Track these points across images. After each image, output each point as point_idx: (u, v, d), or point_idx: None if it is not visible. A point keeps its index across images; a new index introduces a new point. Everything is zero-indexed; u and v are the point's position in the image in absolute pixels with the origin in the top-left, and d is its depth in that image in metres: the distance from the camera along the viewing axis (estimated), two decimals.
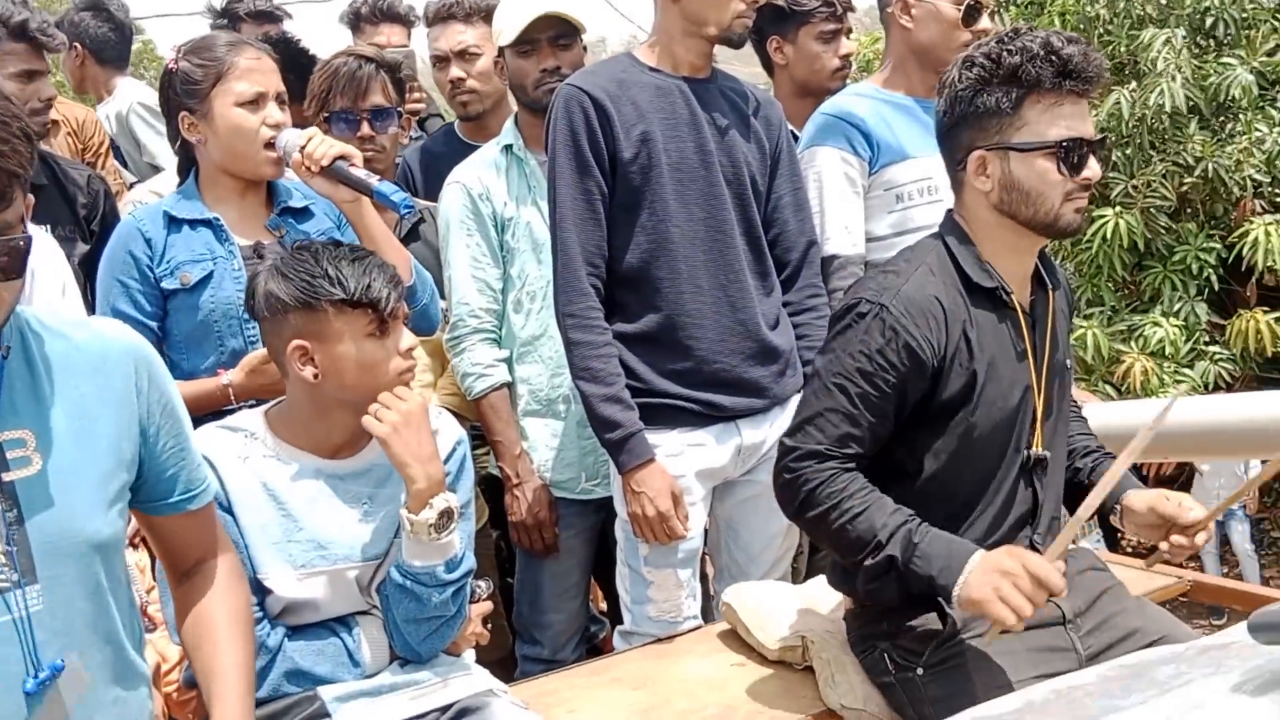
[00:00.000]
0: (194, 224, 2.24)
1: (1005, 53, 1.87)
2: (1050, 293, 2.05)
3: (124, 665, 1.47)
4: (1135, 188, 5.72)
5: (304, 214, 2.34)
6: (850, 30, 3.13)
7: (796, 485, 1.90)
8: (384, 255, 2.20)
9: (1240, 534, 6.41)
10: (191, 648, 1.63)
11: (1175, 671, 1.31)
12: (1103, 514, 2.10)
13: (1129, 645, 1.97)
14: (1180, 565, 2.29)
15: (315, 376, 1.85)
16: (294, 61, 2.85)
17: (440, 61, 3.13)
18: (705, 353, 2.42)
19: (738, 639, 2.33)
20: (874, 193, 2.69)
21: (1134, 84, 5.46)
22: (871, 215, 2.69)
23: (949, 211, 2.04)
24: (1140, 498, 2.01)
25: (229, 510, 1.83)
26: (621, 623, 2.56)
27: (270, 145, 2.21)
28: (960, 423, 1.93)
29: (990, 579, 1.74)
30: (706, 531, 2.59)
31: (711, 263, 2.42)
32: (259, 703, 1.82)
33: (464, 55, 3.12)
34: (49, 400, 1.40)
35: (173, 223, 2.24)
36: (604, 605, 3.17)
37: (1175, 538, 1.99)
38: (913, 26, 2.70)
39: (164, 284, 2.20)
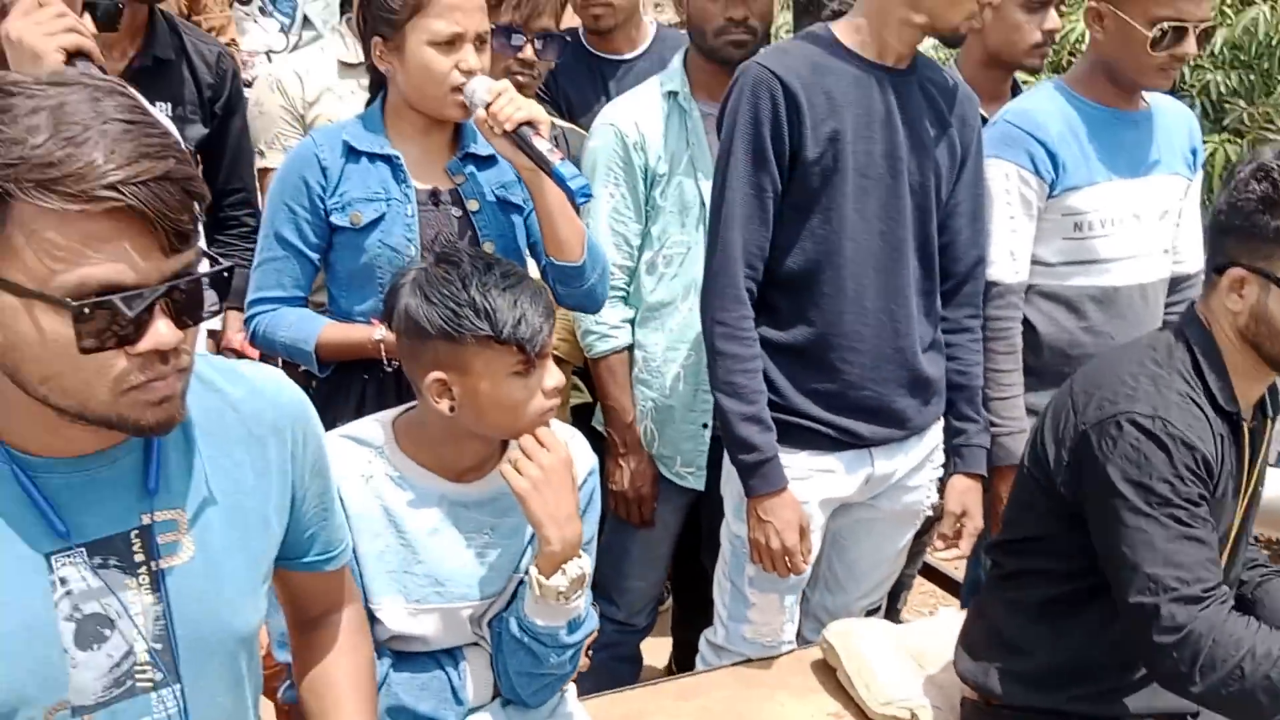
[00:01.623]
0: (373, 158, 2.05)
1: None
2: (1269, 420, 1.84)
3: None
4: (1251, 115, 5.20)
5: (487, 162, 2.11)
6: (1061, 1, 2.74)
7: (1186, 648, 1.59)
8: (557, 229, 2.04)
9: None
10: (311, 703, 1.51)
11: None
12: None
13: None
14: None
15: (451, 410, 1.68)
16: None
17: None
18: (855, 378, 2.22)
19: (834, 679, 2.24)
20: (1050, 216, 2.41)
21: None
22: (1043, 239, 2.43)
23: (1193, 306, 1.80)
24: None
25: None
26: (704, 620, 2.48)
27: (459, 89, 1.98)
28: None
29: None
30: None
31: (880, 281, 2.19)
32: None
33: None
34: (203, 474, 1.23)
35: (351, 153, 2.05)
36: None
37: None
38: (1102, 37, 2.36)
39: (333, 218, 2.04)
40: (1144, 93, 2.48)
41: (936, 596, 3.70)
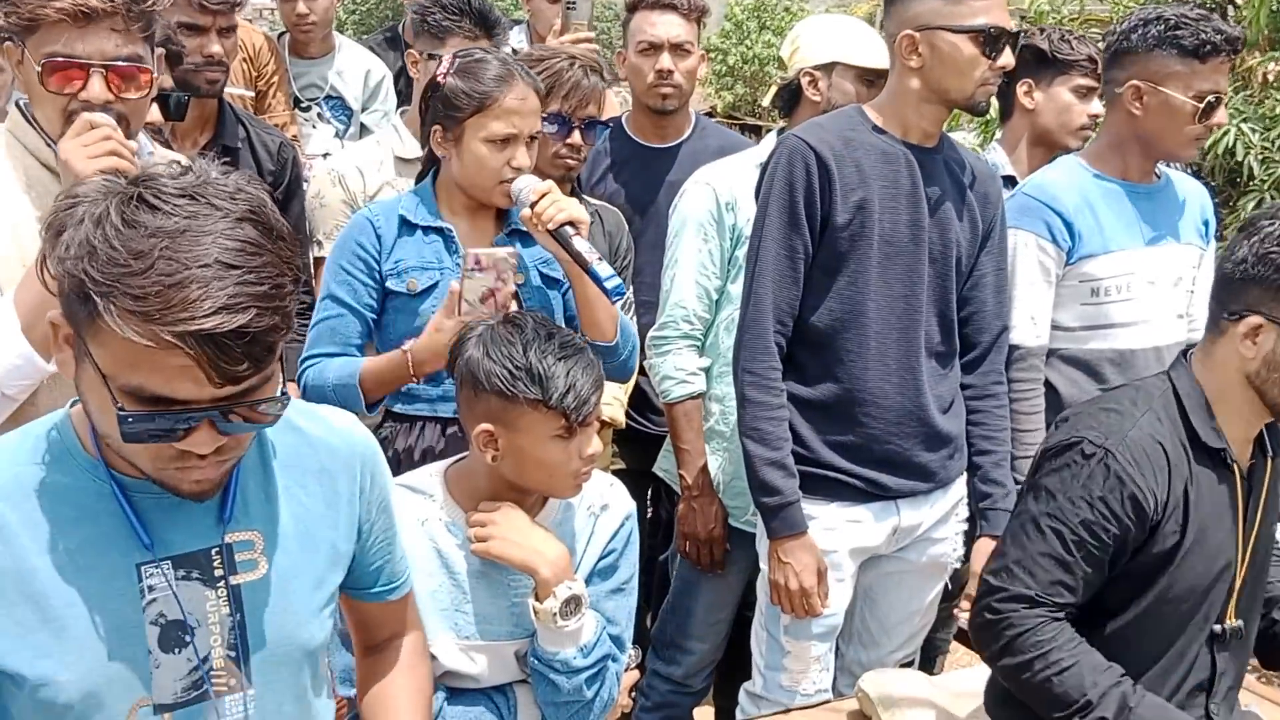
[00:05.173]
0: (427, 230, 2.22)
1: None
2: (1270, 460, 1.93)
3: None
4: None
5: (531, 238, 2.25)
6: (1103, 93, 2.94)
7: (1000, 629, 1.83)
8: (593, 312, 2.17)
9: None
10: (370, 717, 1.63)
11: None
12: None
13: None
14: None
15: (493, 459, 1.82)
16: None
17: (651, 49, 3.00)
18: (879, 431, 2.33)
19: None
20: (1068, 283, 2.55)
21: None
22: (1062, 305, 2.56)
23: (1185, 354, 1.92)
24: None
25: None
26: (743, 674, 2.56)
27: (507, 183, 2.15)
28: (1158, 582, 1.85)
29: None
30: None
31: (901, 341, 2.32)
32: None
33: (677, 49, 3.00)
34: (278, 500, 1.37)
35: (406, 225, 2.21)
36: None
37: None
38: (1141, 114, 2.50)
39: (389, 284, 2.19)
40: (1159, 168, 2.63)
41: (972, 660, 3.73)
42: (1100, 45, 2.76)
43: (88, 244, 1.09)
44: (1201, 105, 2.42)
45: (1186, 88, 2.43)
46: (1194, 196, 2.71)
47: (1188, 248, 2.64)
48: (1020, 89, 2.97)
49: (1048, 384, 2.55)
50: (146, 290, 1.07)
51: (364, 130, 3.79)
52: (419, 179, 2.34)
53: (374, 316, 2.22)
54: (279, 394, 1.20)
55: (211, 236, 1.09)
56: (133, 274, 1.07)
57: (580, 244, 2.08)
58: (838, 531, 2.37)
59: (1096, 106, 2.89)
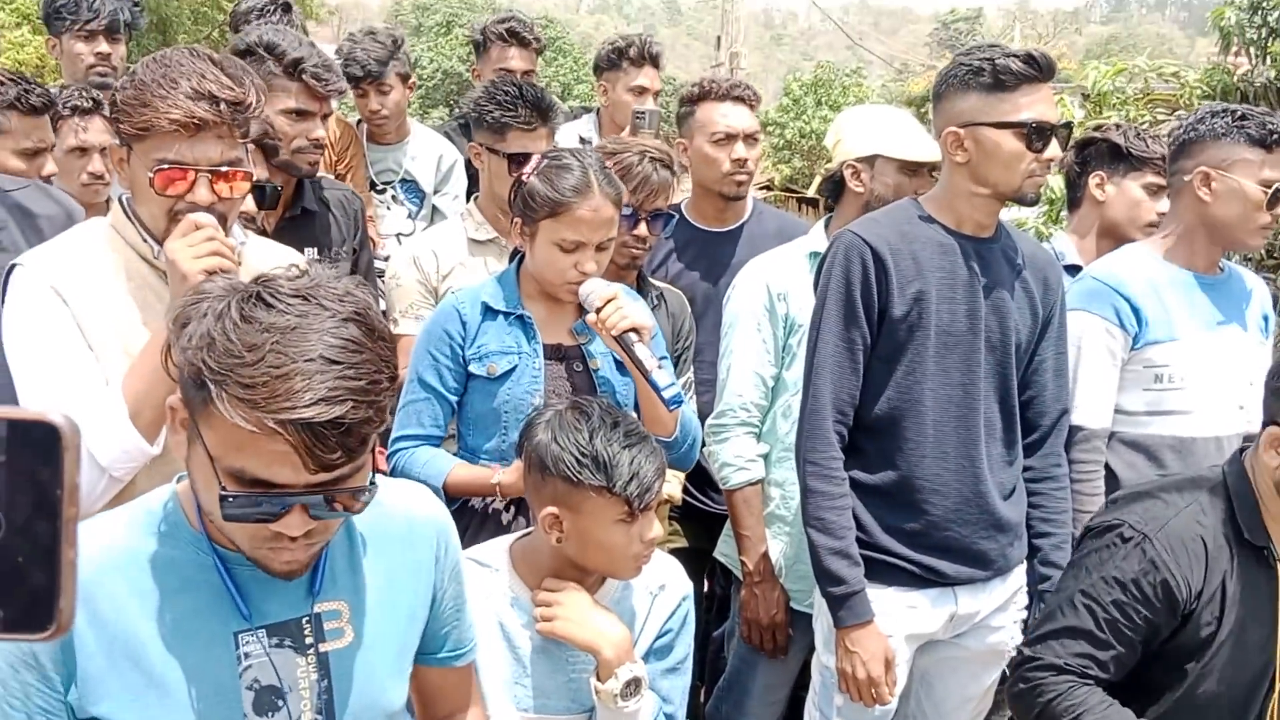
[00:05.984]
0: (508, 316, 2.31)
1: None
2: None
3: None
4: None
5: None
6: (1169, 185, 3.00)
7: (1033, 696, 1.89)
8: (654, 409, 2.23)
9: None
10: None
11: None
12: None
13: None
14: None
15: (558, 541, 1.88)
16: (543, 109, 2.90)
17: (727, 139, 3.11)
18: (938, 519, 2.36)
19: None
20: (1132, 367, 2.58)
21: None
22: (1126, 388, 2.59)
23: (1241, 453, 1.95)
24: None
25: None
26: None
27: (574, 283, 2.24)
28: (1193, 669, 1.87)
29: None
30: None
31: (960, 429, 2.36)
32: None
33: (749, 138, 3.13)
34: (362, 571, 1.45)
35: (488, 311, 2.31)
36: None
37: None
38: (1211, 200, 2.55)
39: (471, 367, 2.29)
40: (1221, 262, 2.68)
41: None
42: (1167, 138, 2.82)
43: (208, 336, 1.20)
44: (1269, 193, 2.47)
45: (1254, 175, 2.49)
46: (1256, 290, 2.75)
47: (1249, 340, 2.67)
48: (1092, 180, 3.04)
49: (1106, 468, 2.57)
50: (255, 380, 1.17)
51: (435, 211, 3.93)
52: (511, 259, 2.45)
53: (457, 399, 2.32)
54: (368, 483, 1.28)
55: (318, 334, 1.19)
56: (245, 364, 1.18)
57: (642, 351, 2.15)
58: (893, 617, 2.39)
59: (1164, 205, 2.93)
